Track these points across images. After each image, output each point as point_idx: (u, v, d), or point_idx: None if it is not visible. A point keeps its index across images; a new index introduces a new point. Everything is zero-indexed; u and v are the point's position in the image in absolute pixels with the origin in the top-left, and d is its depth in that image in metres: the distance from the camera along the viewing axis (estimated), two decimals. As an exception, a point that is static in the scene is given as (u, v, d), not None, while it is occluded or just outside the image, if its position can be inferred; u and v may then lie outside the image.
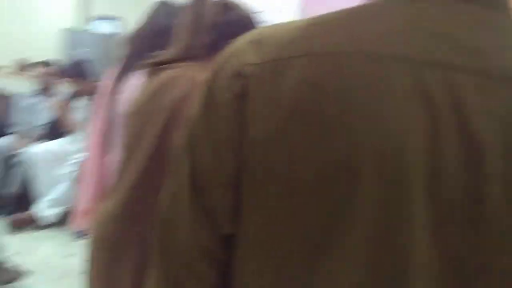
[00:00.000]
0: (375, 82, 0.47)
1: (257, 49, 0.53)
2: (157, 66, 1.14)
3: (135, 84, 1.53)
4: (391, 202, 0.47)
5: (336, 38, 0.50)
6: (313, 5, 3.00)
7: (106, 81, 1.72)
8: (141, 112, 1.12)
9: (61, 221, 3.59)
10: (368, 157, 0.47)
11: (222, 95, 0.53)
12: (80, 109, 4.01)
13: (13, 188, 3.69)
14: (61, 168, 3.82)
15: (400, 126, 0.46)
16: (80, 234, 3.41)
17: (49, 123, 4.07)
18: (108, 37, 5.37)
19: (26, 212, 3.64)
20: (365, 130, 0.47)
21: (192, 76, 1.06)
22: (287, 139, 0.49)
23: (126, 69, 1.61)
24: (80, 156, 3.68)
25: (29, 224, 3.59)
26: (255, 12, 1.25)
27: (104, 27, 5.46)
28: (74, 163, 3.79)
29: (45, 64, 4.16)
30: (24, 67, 5.05)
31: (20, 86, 4.19)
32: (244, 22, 1.18)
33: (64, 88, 4.14)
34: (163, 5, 1.62)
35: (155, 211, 1.05)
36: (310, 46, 0.50)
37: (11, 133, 4.09)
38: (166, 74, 1.09)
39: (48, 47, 5.27)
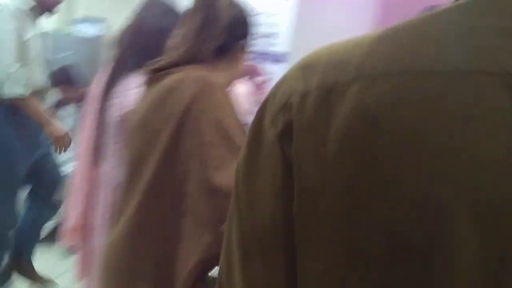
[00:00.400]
0: (456, 107, 0.34)
1: (305, 74, 0.43)
2: (160, 71, 1.07)
3: (130, 89, 1.43)
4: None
5: (396, 56, 0.38)
6: (309, 9, 2.92)
7: (95, 86, 1.59)
8: (150, 122, 1.04)
9: (51, 237, 3.42)
10: (460, 210, 0.33)
11: (268, 132, 0.43)
12: (67, 117, 3.86)
13: None
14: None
15: (500, 163, 0.33)
16: (71, 251, 3.25)
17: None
18: (93, 40, 5.22)
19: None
20: (449, 172, 0.34)
21: (201, 76, 1.00)
22: (340, 193, 0.38)
23: (117, 73, 1.49)
24: (69, 168, 3.53)
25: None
26: (252, 12, 1.18)
27: (89, 29, 5.30)
28: (63, 175, 3.64)
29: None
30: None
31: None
32: (245, 22, 1.13)
33: (50, 95, 3.98)
34: (153, 2, 1.50)
35: (163, 239, 1.00)
36: (361, 68, 0.39)
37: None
38: (173, 78, 1.03)
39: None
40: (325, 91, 0.40)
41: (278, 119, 0.42)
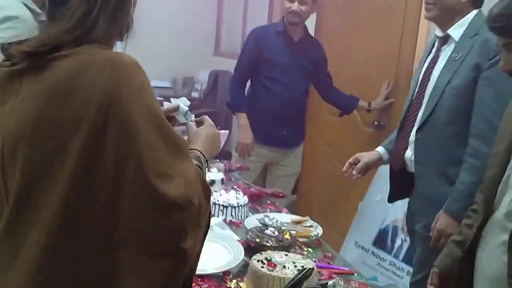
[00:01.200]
0: None
1: None
2: (37, 55, 0.80)
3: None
4: None
5: None
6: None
7: None
8: (42, 130, 0.78)
9: None
10: None
11: None
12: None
13: None
14: None
15: None
16: None
17: None
18: None
19: None
20: None
21: (113, 57, 0.80)
22: None
23: None
24: None
25: None
26: None
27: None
28: None
29: None
30: None
31: None
32: None
33: None
34: None
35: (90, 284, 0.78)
36: None
37: None
38: (70, 63, 0.79)
39: None
40: None
41: None
